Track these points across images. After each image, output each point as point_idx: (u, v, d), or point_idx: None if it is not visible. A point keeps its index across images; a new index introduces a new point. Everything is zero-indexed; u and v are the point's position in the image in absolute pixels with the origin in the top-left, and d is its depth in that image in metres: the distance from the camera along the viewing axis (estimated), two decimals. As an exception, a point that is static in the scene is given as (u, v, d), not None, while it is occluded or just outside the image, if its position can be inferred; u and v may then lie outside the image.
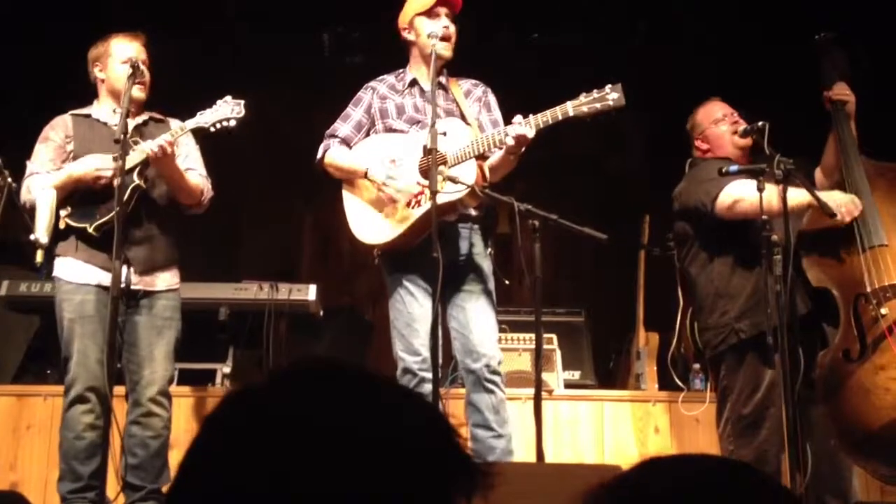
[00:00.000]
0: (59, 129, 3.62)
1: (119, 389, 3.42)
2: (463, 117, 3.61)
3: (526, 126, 3.32)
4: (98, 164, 3.45)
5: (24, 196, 3.48)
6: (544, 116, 3.35)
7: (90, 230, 3.43)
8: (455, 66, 3.75)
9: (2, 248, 3.32)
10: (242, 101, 3.51)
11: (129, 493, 3.40)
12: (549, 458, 3.63)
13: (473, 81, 3.79)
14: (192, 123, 3.52)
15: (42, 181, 3.46)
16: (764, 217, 3.22)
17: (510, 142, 3.33)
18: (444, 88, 3.68)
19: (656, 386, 4.74)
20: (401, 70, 3.77)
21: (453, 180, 3.30)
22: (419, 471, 0.85)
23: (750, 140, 3.60)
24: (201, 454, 0.87)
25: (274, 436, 0.83)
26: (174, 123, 3.67)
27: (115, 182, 3.34)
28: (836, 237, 3.47)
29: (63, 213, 3.45)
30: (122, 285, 3.23)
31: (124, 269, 3.27)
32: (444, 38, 3.54)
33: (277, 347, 4.63)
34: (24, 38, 5.31)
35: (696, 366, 4.55)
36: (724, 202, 3.51)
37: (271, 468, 0.81)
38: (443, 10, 3.61)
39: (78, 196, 3.47)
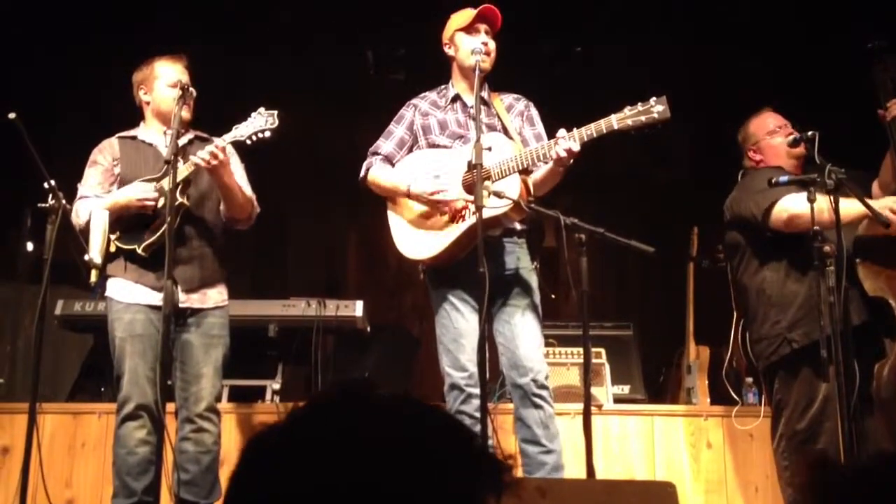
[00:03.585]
0: (106, 153, 3.69)
1: (170, 406, 3.45)
2: (506, 132, 3.61)
3: (570, 140, 3.30)
4: (140, 194, 3.50)
5: (74, 219, 3.57)
6: (588, 130, 3.32)
7: (139, 251, 3.49)
8: (496, 80, 3.75)
9: (56, 269, 3.39)
10: (275, 112, 3.52)
11: (182, 509, 3.43)
12: (600, 473, 3.59)
13: (515, 96, 3.78)
14: (229, 137, 3.54)
15: (91, 204, 3.54)
16: (816, 227, 3.17)
17: (561, 153, 3.30)
18: (486, 103, 3.67)
19: (708, 400, 4.67)
20: (443, 86, 3.78)
21: (498, 195, 3.29)
22: (447, 474, 0.92)
23: (803, 149, 3.54)
24: (252, 472, 0.94)
25: (315, 453, 0.92)
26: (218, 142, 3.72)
27: (160, 203, 3.41)
28: (893, 245, 3.40)
29: (112, 236, 3.51)
30: (170, 304, 3.27)
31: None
32: (484, 54, 3.54)
33: (326, 363, 4.65)
34: (69, 62, 5.42)
35: (749, 379, 4.47)
36: (779, 216, 3.47)
37: (315, 480, 0.90)
38: (482, 27, 3.62)
39: (125, 221, 3.54)
